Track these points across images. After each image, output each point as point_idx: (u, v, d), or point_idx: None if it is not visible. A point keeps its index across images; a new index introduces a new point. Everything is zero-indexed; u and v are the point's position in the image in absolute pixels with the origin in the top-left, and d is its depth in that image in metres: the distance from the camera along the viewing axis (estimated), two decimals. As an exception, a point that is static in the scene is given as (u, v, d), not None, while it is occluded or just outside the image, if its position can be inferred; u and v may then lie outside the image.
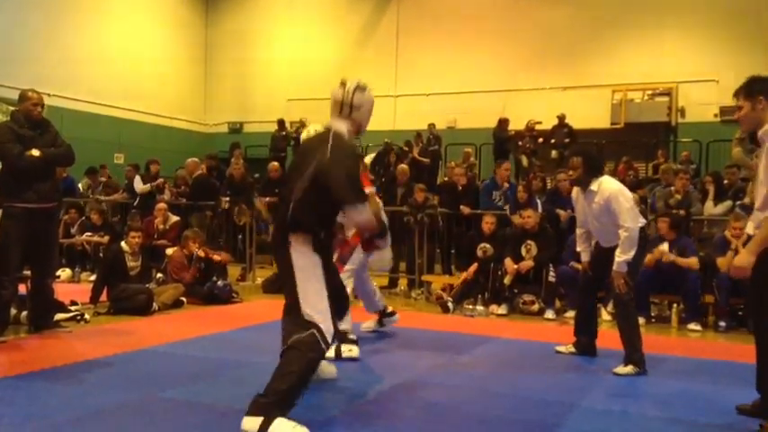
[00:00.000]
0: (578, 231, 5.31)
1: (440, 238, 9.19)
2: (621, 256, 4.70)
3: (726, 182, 8.78)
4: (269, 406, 3.19)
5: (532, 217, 7.58)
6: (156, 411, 3.64)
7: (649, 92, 14.73)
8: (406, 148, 14.07)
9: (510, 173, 9.89)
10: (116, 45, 16.24)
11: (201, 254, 7.76)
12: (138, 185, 10.72)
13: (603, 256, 4.93)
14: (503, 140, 13.81)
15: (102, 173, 12.80)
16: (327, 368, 4.24)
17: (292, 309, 3.38)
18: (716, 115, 14.13)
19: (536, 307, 7.44)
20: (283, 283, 3.49)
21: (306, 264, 3.36)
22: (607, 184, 4.86)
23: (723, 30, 14.04)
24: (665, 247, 7.02)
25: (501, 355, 5.38)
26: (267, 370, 4.56)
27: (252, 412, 3.20)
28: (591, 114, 14.25)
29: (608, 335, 6.51)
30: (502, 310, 7.42)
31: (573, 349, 5.31)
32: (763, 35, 13.37)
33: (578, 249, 5.39)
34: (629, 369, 4.70)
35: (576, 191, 5.15)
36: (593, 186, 4.88)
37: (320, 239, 3.43)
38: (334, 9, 17.90)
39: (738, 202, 7.91)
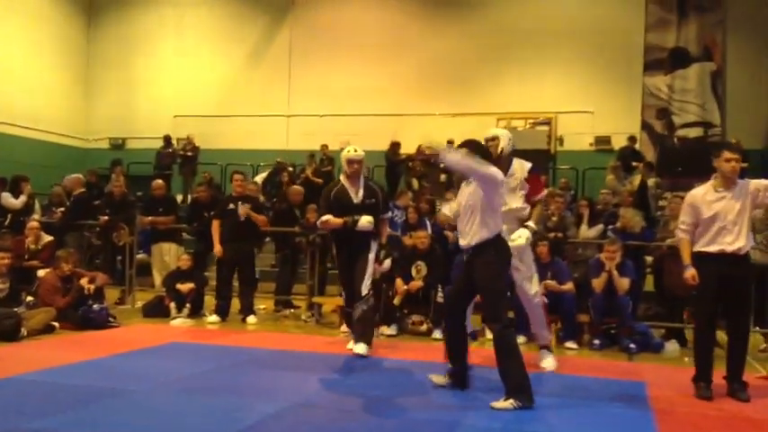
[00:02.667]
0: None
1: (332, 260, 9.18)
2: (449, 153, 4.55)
3: (599, 207, 9.30)
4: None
5: (426, 238, 7.73)
6: (20, 445, 3.39)
7: (531, 121, 15.44)
8: (290, 169, 14.02)
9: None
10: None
11: (87, 285, 7.32)
12: (9, 201, 9.96)
13: (468, 260, 4.68)
14: (395, 163, 14.05)
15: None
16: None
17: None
18: (591, 144, 15.01)
19: (425, 327, 7.55)
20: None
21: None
22: None
23: (598, 65, 14.99)
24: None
25: (388, 375, 5.40)
26: (144, 398, 4.38)
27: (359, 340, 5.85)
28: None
29: (492, 354, 6.71)
30: (391, 330, 7.48)
31: (449, 380, 4.93)
32: (633, 71, 14.31)
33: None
34: (508, 404, 4.33)
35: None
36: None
37: None
38: (224, 25, 17.61)
39: (611, 227, 8.38)
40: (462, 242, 4.72)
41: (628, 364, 6.40)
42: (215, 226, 8.27)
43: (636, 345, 6.86)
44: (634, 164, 12.51)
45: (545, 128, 15.19)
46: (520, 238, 5.40)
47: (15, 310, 6.70)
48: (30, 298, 7.75)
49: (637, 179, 11.61)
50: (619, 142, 13.92)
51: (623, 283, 7.07)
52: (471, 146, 4.66)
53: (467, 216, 4.63)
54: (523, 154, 15.78)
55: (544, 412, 4.35)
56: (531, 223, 5.61)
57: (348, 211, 6.06)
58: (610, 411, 4.47)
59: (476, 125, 15.23)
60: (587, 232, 8.52)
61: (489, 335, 7.31)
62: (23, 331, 6.38)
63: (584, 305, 7.23)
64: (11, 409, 3.99)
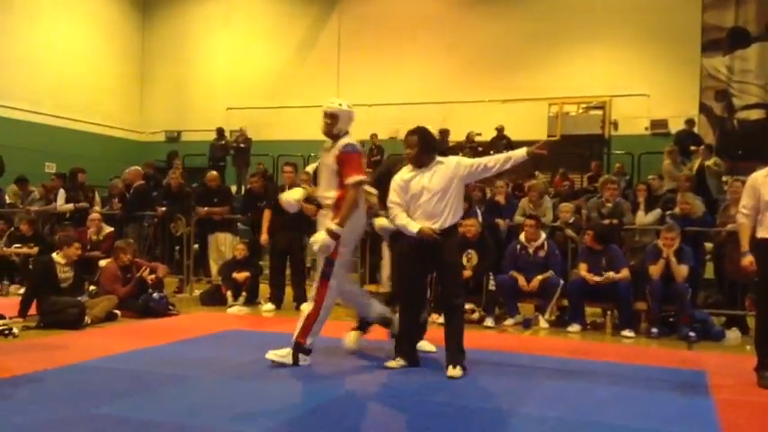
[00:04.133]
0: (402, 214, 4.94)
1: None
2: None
3: (656, 192, 9.11)
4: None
5: (475, 226, 7.68)
6: (88, 428, 3.52)
7: (584, 105, 15.16)
8: None
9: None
10: (47, 51, 15.72)
11: (150, 277, 7.53)
12: (61, 202, 10.28)
13: (433, 242, 4.78)
14: (443, 151, 13.94)
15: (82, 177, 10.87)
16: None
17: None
18: (646, 128, 14.65)
19: (476, 315, 7.51)
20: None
21: None
22: (456, 157, 5.09)
23: (652, 46, 14.59)
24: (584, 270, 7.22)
25: (440, 363, 5.40)
26: (203, 384, 4.49)
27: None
28: (528, 126, 14.54)
29: (545, 342, 6.66)
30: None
31: (402, 362, 5.06)
32: (690, 51, 13.94)
33: (402, 223, 4.91)
34: (460, 371, 4.78)
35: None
36: (440, 160, 4.95)
37: None
38: (274, 17, 17.80)
39: (668, 212, 8.19)
40: (434, 225, 4.82)
41: (687, 353, 6.26)
42: (266, 215, 8.40)
43: (695, 333, 6.70)
44: (692, 148, 12.17)
45: (599, 112, 14.90)
46: (315, 243, 4.89)
47: (79, 299, 6.94)
48: (92, 287, 8.03)
49: (696, 163, 11.29)
50: (676, 126, 13.56)
51: (682, 270, 6.90)
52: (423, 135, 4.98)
53: (438, 197, 4.84)
54: (576, 139, 15.75)
55: (602, 401, 4.30)
56: (332, 224, 4.82)
57: None
58: (670, 400, 4.39)
59: (526, 111, 15.09)
60: (644, 218, 8.34)
61: (543, 323, 7.32)
62: (87, 319, 6.59)
63: (642, 293, 7.09)
64: (76, 394, 4.14)
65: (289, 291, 8.48)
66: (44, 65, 15.59)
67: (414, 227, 4.83)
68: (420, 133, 4.98)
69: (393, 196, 4.99)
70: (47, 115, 15.52)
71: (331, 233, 4.79)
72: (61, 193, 10.38)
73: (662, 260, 6.96)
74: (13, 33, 15.00)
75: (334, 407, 4.08)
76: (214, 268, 9.61)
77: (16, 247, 9.40)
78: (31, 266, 8.48)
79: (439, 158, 4.99)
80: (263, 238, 8.34)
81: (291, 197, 5.32)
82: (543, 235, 7.66)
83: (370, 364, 5.22)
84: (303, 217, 8.46)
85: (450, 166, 4.93)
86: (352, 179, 4.86)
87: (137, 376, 4.64)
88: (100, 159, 15.41)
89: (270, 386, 4.49)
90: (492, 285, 7.49)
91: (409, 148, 4.95)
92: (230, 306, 8.18)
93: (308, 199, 8.43)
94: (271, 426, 3.61)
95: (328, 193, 5.00)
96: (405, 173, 5.02)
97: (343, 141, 4.97)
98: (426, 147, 4.97)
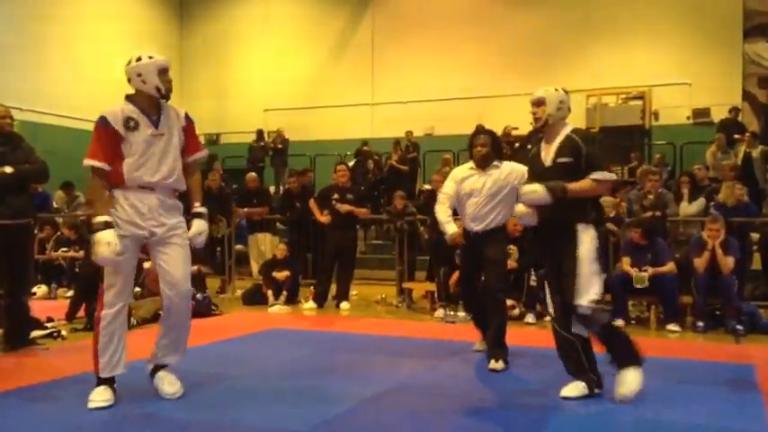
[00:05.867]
0: (445, 208, 5.15)
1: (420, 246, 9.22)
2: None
3: (701, 183, 8.92)
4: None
5: (519, 225, 7.62)
6: (136, 428, 3.60)
7: (623, 96, 14.89)
8: (377, 157, 14.20)
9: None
10: (88, 57, 16.05)
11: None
12: None
13: (477, 241, 4.96)
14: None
15: None
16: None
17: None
18: (688, 117, 14.33)
19: (516, 311, 7.46)
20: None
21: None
22: (511, 163, 5.14)
23: (693, 34, 14.28)
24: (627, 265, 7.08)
25: (481, 359, 5.38)
26: (247, 383, 4.56)
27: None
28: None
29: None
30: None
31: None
32: (732, 39, 13.59)
33: (441, 219, 5.17)
34: (502, 364, 4.87)
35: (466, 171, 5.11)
36: (496, 164, 5.04)
37: None
38: (309, 19, 17.92)
39: (713, 203, 8.01)
40: (477, 227, 4.96)
41: (735, 347, 6.12)
42: (312, 203, 8.54)
43: (743, 326, 6.55)
44: (736, 136, 11.87)
45: (638, 102, 14.62)
46: (201, 233, 4.07)
47: (125, 300, 7.09)
48: (137, 289, 8.19)
49: (741, 151, 11.01)
50: (719, 114, 13.24)
51: (728, 261, 6.75)
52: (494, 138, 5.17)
53: (484, 202, 4.94)
54: (615, 130, 15.47)
55: (647, 396, 4.23)
56: (198, 204, 4.13)
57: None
58: (717, 395, 4.30)
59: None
60: (688, 209, 8.17)
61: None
62: (133, 320, 6.72)
63: (687, 286, 6.95)
64: (122, 394, 4.20)
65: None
66: (85, 72, 15.92)
67: (448, 228, 5.09)
68: (492, 134, 5.16)
69: (446, 187, 5.18)
70: (89, 121, 15.80)
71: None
72: None
73: (707, 252, 6.82)
74: (53, 42, 15.36)
75: (375, 405, 4.09)
76: (255, 268, 9.74)
77: (63, 251, 9.66)
78: (77, 270, 8.70)
79: (495, 163, 5.07)
80: (325, 218, 8.39)
81: (112, 252, 3.72)
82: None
83: (410, 361, 5.23)
84: (353, 217, 8.54)
85: (503, 173, 5.02)
86: (200, 154, 4.29)
87: (180, 376, 4.69)
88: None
89: (310, 384, 4.53)
90: (533, 281, 7.43)
91: (482, 147, 5.02)
92: (271, 305, 8.27)
93: (353, 201, 8.44)
94: (316, 423, 3.64)
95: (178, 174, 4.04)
96: (464, 169, 5.16)
97: (181, 109, 4.34)
98: (496, 148, 5.12)
